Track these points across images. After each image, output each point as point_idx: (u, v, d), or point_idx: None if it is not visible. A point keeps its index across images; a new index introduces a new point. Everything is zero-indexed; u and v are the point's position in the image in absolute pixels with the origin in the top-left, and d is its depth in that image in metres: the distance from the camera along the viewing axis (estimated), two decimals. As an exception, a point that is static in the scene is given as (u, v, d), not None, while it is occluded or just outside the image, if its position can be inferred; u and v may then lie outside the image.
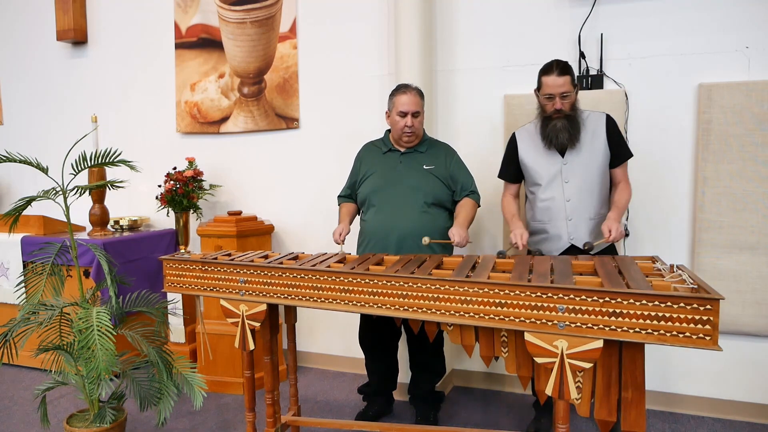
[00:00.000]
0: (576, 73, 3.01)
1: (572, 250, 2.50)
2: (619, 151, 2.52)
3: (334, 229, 2.66)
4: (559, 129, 2.46)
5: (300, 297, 2.11)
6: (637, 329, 1.58)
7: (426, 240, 2.43)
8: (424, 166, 2.68)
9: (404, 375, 3.09)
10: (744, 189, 2.77)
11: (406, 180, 2.65)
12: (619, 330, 1.60)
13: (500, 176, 2.75)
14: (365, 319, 2.88)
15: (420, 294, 1.88)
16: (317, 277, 2.06)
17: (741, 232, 2.79)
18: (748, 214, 2.77)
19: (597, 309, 1.61)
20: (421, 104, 2.67)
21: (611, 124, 2.52)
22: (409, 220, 2.60)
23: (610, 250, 2.55)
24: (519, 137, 2.65)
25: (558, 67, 2.43)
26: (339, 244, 2.61)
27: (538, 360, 1.71)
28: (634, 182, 2.93)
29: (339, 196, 2.90)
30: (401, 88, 2.67)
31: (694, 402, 2.97)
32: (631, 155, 2.56)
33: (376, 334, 2.86)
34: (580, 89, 2.99)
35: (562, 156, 2.52)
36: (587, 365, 1.66)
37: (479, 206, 2.73)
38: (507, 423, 2.90)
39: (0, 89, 4.72)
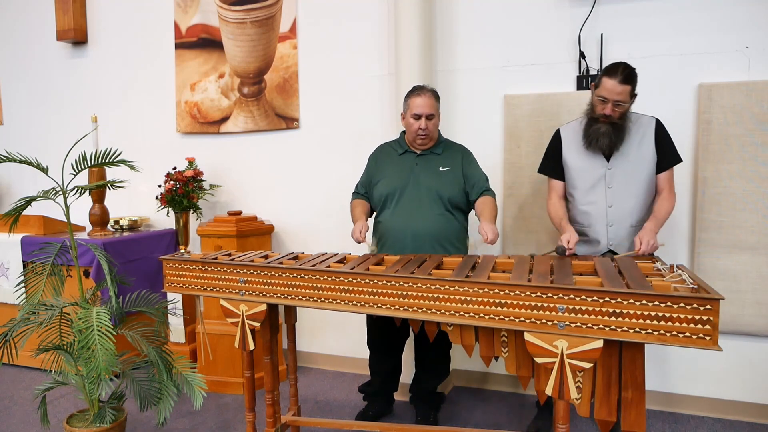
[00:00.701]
0: (576, 73, 3.01)
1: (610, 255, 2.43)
2: (666, 156, 2.43)
3: (352, 229, 2.58)
4: (602, 134, 2.37)
5: (300, 297, 2.11)
6: (637, 329, 1.58)
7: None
8: (441, 168, 2.65)
9: (406, 375, 3.08)
10: (744, 189, 2.77)
11: (423, 182, 2.63)
12: (619, 330, 1.60)
13: (543, 171, 2.64)
14: (373, 320, 2.86)
15: (420, 294, 1.88)
16: (317, 277, 2.06)
17: (741, 232, 2.79)
18: (748, 214, 2.77)
19: (597, 309, 1.61)
20: (436, 106, 2.64)
21: (660, 129, 2.43)
22: (426, 221, 2.57)
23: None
24: (564, 135, 2.56)
25: (623, 73, 2.30)
26: (362, 241, 2.54)
27: (538, 360, 1.71)
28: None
29: (354, 193, 2.86)
30: (416, 90, 2.63)
31: (694, 402, 2.97)
32: (679, 160, 2.46)
33: (385, 334, 2.85)
34: (580, 89, 2.99)
35: (608, 160, 2.43)
36: (587, 365, 1.66)
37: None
38: (507, 423, 2.90)
39: (0, 89, 4.73)
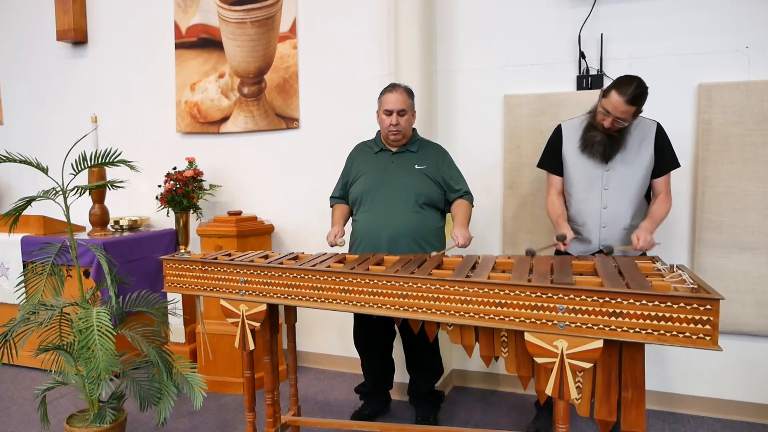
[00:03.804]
0: (576, 73, 3.01)
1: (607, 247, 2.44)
2: (664, 161, 2.43)
3: (328, 233, 2.66)
4: (597, 142, 2.38)
5: (300, 297, 2.11)
6: (637, 329, 1.58)
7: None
8: (416, 166, 2.67)
9: (400, 375, 3.09)
10: (744, 189, 2.77)
11: (398, 180, 2.65)
12: (619, 330, 1.60)
13: (542, 166, 2.64)
14: (359, 319, 2.88)
15: (420, 294, 1.88)
16: (317, 277, 2.06)
17: (741, 232, 2.79)
18: (748, 214, 2.77)
19: (597, 309, 1.61)
20: (409, 103, 2.66)
21: (660, 134, 2.43)
22: (401, 219, 2.59)
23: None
24: (565, 131, 2.55)
25: (633, 93, 2.25)
26: (335, 245, 2.60)
27: (538, 360, 1.71)
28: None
29: (331, 197, 2.90)
30: (389, 87, 2.67)
31: (694, 402, 2.97)
32: (677, 165, 2.47)
33: (371, 334, 2.86)
34: (580, 89, 2.99)
35: (606, 162, 2.43)
36: (587, 365, 1.66)
37: (473, 206, 2.72)
38: (507, 423, 2.90)
39: (0, 89, 4.73)
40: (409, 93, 2.68)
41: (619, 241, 2.44)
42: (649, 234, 2.28)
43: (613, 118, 2.31)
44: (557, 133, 2.58)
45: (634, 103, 2.27)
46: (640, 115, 2.45)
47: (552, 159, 2.59)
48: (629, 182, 2.42)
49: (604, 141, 2.38)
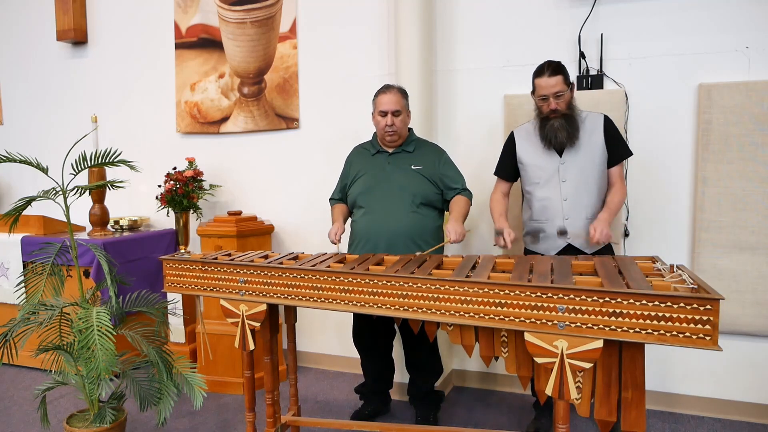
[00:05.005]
0: (576, 73, 3.01)
1: (569, 251, 2.50)
2: (615, 151, 2.53)
3: (329, 231, 2.68)
4: (557, 128, 2.47)
5: (300, 297, 2.11)
6: (637, 329, 1.58)
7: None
8: (413, 167, 2.69)
9: (400, 375, 3.09)
10: (744, 189, 2.77)
11: (395, 180, 2.66)
12: (619, 330, 1.60)
13: (496, 173, 2.75)
14: (359, 319, 2.88)
15: (420, 294, 1.88)
16: (317, 277, 2.06)
17: (741, 232, 2.79)
18: (748, 214, 2.77)
19: (597, 309, 1.61)
20: (403, 103, 2.68)
21: (609, 124, 2.53)
22: (399, 220, 2.60)
23: (606, 250, 2.54)
24: (517, 136, 2.66)
25: (549, 67, 2.44)
26: (336, 243, 2.62)
27: (538, 360, 1.71)
28: (634, 182, 2.94)
29: (331, 199, 2.93)
30: (383, 88, 2.69)
31: (694, 402, 2.97)
32: (629, 154, 2.57)
33: (370, 333, 2.86)
34: (580, 89, 2.99)
35: (560, 155, 2.52)
36: (587, 365, 1.65)
37: (471, 204, 2.73)
38: (507, 423, 2.90)
39: (0, 89, 4.73)
40: (403, 93, 2.70)
41: (584, 230, 2.50)
42: (606, 225, 2.37)
43: (553, 96, 2.44)
44: (510, 139, 2.70)
45: (556, 73, 2.43)
46: (587, 110, 2.56)
47: (506, 164, 2.70)
48: (586, 173, 2.50)
49: (563, 124, 2.47)
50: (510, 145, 2.68)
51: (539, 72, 2.48)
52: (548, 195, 2.54)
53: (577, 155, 2.50)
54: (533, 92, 2.54)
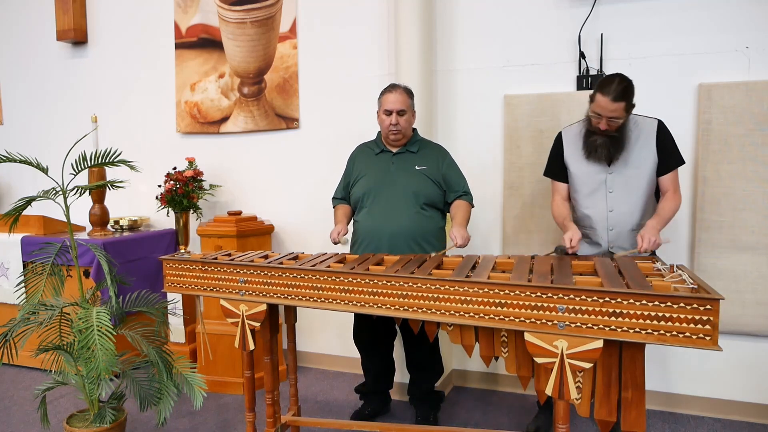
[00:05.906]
0: (576, 73, 3.01)
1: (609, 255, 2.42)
2: (668, 158, 2.39)
3: (331, 231, 2.67)
4: (599, 145, 2.36)
5: (300, 297, 2.11)
6: (637, 329, 1.58)
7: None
8: (416, 167, 2.68)
9: (400, 375, 3.09)
10: (744, 189, 2.77)
11: (399, 181, 2.66)
12: (619, 330, 1.60)
13: (547, 174, 2.64)
14: (359, 318, 2.88)
15: (420, 294, 1.88)
16: (317, 277, 2.06)
17: (741, 232, 2.79)
18: (748, 214, 2.77)
19: (597, 309, 1.61)
20: (409, 103, 2.67)
21: (662, 131, 2.40)
22: (402, 220, 2.60)
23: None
24: (565, 138, 2.55)
25: (616, 89, 2.25)
26: (338, 243, 2.62)
27: (538, 360, 1.71)
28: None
29: (333, 198, 2.91)
30: (388, 87, 2.68)
31: (694, 402, 2.97)
32: (681, 163, 2.44)
33: (371, 333, 2.86)
34: (580, 89, 2.99)
35: (609, 164, 2.41)
36: (587, 365, 1.66)
37: (473, 207, 2.73)
38: (507, 423, 2.90)
39: (0, 89, 4.73)
40: (409, 93, 2.69)
41: (627, 242, 2.42)
42: (654, 233, 2.25)
43: (606, 118, 2.30)
44: (558, 140, 2.58)
45: (620, 99, 2.25)
46: (640, 114, 2.44)
47: (555, 166, 2.59)
48: (633, 183, 2.40)
49: (606, 143, 2.36)
50: (558, 146, 2.56)
51: (605, 88, 2.27)
52: (594, 204, 2.45)
53: (626, 166, 2.39)
54: (591, 101, 2.36)
